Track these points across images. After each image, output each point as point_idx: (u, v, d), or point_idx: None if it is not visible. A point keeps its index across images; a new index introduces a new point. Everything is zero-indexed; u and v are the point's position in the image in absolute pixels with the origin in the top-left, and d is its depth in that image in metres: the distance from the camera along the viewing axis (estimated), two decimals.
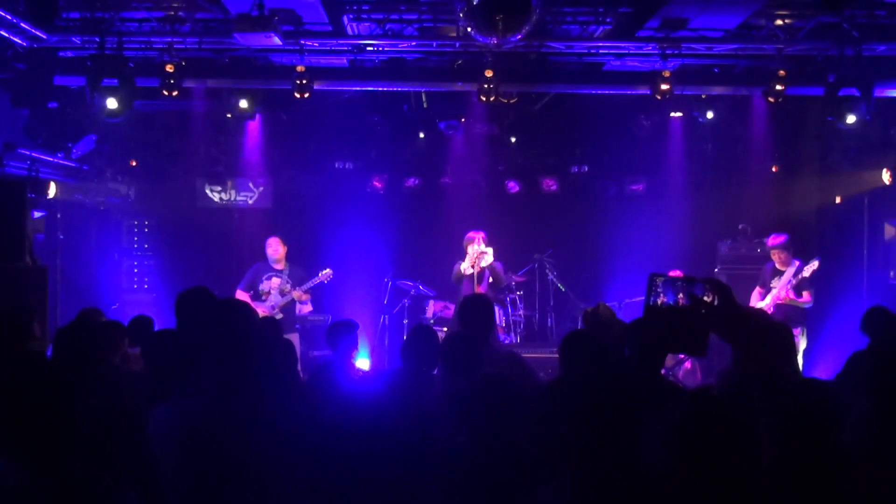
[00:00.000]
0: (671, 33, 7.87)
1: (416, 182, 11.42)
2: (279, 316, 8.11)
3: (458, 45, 8.22)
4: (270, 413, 3.01)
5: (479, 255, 8.52)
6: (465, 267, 8.57)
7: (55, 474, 2.26)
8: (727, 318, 2.27)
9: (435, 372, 4.35)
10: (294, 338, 7.82)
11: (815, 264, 8.15)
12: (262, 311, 8.02)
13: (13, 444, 2.27)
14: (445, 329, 8.54)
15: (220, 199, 11.46)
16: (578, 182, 11.47)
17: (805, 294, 8.25)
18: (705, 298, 2.25)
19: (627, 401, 2.26)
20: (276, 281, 8.48)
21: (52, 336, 4.76)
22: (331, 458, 2.66)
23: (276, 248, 8.51)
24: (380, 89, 9.65)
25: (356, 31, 8.10)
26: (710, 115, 9.81)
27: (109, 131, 9.59)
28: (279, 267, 8.51)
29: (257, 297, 8.40)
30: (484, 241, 8.61)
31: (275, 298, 8.42)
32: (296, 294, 8.48)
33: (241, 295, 8.40)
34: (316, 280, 8.54)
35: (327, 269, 8.60)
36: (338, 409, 2.79)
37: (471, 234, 8.71)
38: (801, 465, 2.37)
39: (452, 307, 9.28)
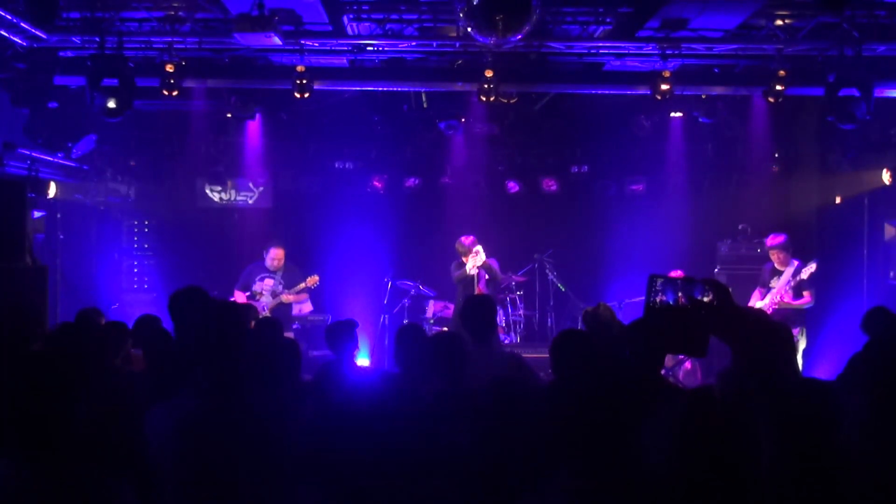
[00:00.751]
0: (671, 33, 7.86)
1: (416, 182, 11.42)
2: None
3: (458, 45, 8.22)
4: (269, 412, 3.01)
5: (476, 255, 8.58)
6: (470, 268, 8.60)
7: (55, 474, 2.26)
8: (726, 319, 2.27)
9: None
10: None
11: (812, 266, 8.15)
12: None
13: (13, 444, 2.27)
14: (446, 329, 8.56)
15: (220, 199, 11.47)
16: (578, 182, 11.46)
17: (805, 294, 8.24)
18: (704, 299, 2.25)
19: (626, 401, 2.26)
20: (268, 282, 8.54)
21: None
22: (338, 456, 2.67)
23: (275, 260, 8.54)
24: (380, 89, 9.65)
25: (356, 31, 8.10)
26: (709, 115, 9.81)
27: (109, 131, 9.59)
28: (273, 269, 8.57)
29: (252, 297, 8.45)
30: (475, 243, 8.66)
31: (266, 300, 8.46)
32: (284, 298, 8.52)
33: (239, 295, 8.45)
34: (302, 286, 8.57)
35: (314, 276, 8.63)
36: (346, 409, 2.79)
37: (464, 239, 8.74)
38: (800, 465, 2.37)
39: (452, 307, 9.29)
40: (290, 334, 8.20)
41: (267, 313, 8.28)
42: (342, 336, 5.17)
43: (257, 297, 8.46)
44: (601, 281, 10.73)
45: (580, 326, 6.96)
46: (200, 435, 2.77)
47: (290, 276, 8.64)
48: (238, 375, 2.93)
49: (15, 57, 8.02)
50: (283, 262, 8.63)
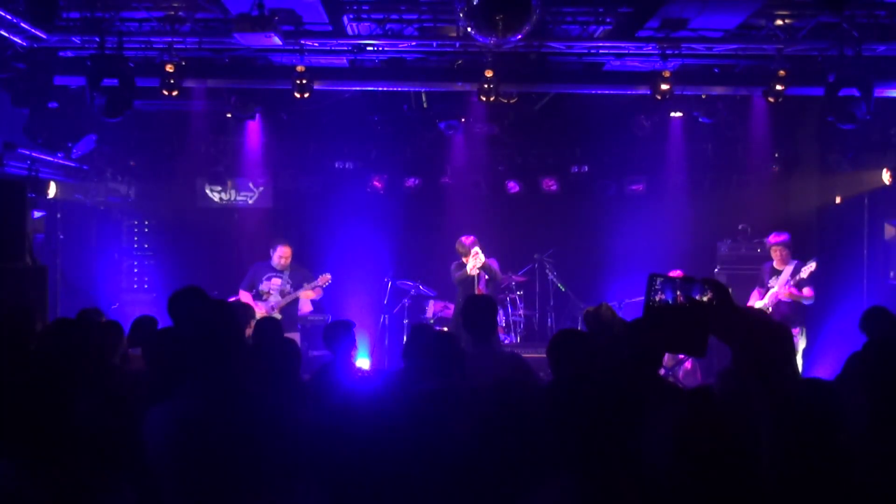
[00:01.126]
0: (671, 33, 7.86)
1: (416, 182, 11.42)
2: (278, 316, 8.11)
3: (458, 45, 8.22)
4: (266, 412, 3.01)
5: (475, 256, 8.60)
6: (470, 269, 8.61)
7: (55, 474, 2.26)
8: (725, 319, 2.27)
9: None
10: (295, 337, 7.82)
11: (812, 265, 8.18)
12: (261, 310, 8.05)
13: (13, 444, 2.27)
14: (446, 329, 8.57)
15: (220, 199, 11.47)
16: (578, 182, 11.47)
17: (806, 290, 8.27)
18: (703, 298, 2.24)
19: (626, 401, 2.26)
20: (276, 281, 8.49)
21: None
22: (333, 457, 2.66)
23: (283, 259, 8.50)
24: (380, 89, 9.65)
25: (356, 31, 8.10)
26: (709, 115, 9.81)
27: (109, 131, 9.60)
28: (280, 268, 8.55)
29: (258, 296, 8.42)
30: (475, 243, 8.67)
31: (275, 299, 8.43)
32: (303, 294, 8.50)
33: (244, 294, 8.42)
34: (314, 285, 8.54)
35: (326, 275, 8.59)
36: (341, 409, 2.79)
37: (464, 239, 8.75)
38: (800, 465, 2.37)
39: (452, 307, 9.30)
40: (296, 334, 8.20)
41: (276, 313, 8.26)
42: (339, 337, 5.18)
43: (264, 297, 8.43)
44: (601, 281, 10.73)
45: (580, 326, 6.96)
46: (199, 435, 2.77)
47: (297, 274, 8.60)
48: (237, 375, 2.93)
49: (15, 57, 8.02)
50: (290, 260, 8.57)
